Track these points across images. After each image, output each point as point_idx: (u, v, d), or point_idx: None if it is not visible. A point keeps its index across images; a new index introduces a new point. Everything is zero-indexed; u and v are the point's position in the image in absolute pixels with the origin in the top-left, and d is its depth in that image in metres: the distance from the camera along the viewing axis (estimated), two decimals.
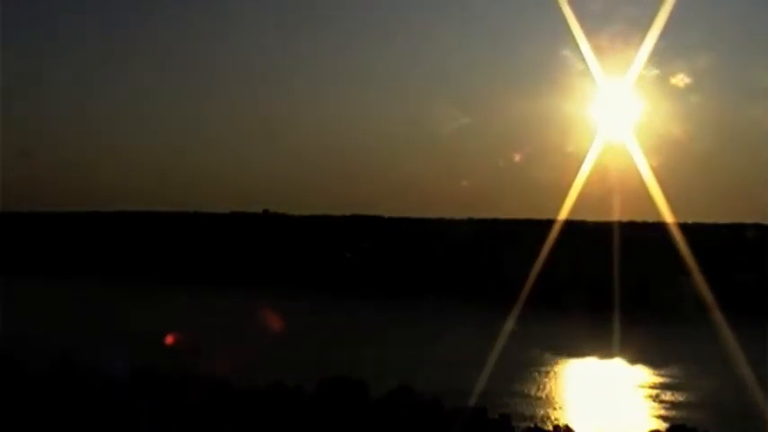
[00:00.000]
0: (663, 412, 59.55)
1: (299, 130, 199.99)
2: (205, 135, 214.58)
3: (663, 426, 48.47)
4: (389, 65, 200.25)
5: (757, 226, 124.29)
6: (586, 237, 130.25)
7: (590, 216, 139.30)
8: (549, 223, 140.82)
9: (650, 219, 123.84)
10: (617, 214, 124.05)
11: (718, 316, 74.19)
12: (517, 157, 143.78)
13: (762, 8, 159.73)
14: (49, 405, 37.71)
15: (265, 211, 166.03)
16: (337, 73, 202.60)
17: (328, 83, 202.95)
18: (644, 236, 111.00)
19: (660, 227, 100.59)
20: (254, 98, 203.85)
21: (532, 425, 43.74)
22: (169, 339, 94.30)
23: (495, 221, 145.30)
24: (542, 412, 58.06)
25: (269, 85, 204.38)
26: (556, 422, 43.38)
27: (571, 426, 41.86)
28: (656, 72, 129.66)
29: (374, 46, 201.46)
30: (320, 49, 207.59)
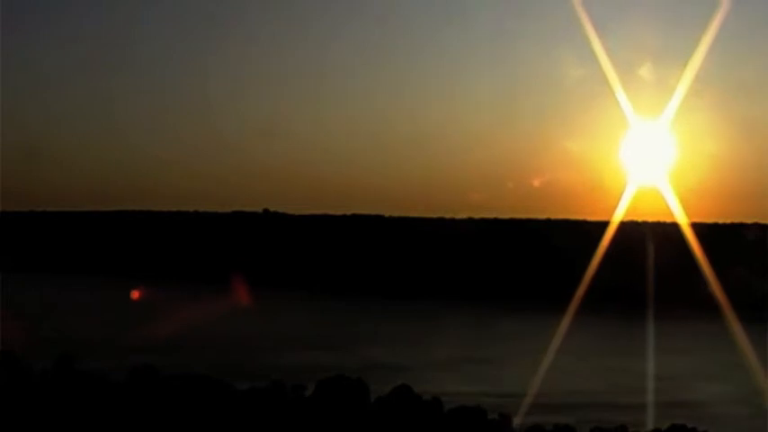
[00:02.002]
0: (666, 410, 59.40)
1: (299, 130, 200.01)
2: (205, 135, 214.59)
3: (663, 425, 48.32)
4: (391, 65, 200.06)
5: (757, 226, 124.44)
6: (588, 236, 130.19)
7: (591, 215, 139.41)
8: (549, 223, 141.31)
9: (649, 219, 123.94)
10: (622, 214, 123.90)
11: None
12: (536, 183, 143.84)
13: None
14: (48, 404, 37.69)
15: (265, 211, 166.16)
16: (338, 73, 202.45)
17: (329, 83, 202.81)
18: (649, 235, 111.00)
19: (662, 226, 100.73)
20: (255, 98, 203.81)
21: (533, 424, 43.60)
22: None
23: (496, 221, 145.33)
24: (543, 411, 57.97)
25: (270, 85, 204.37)
26: (557, 422, 43.23)
27: (572, 425, 41.76)
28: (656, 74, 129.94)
29: (377, 46, 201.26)
30: (321, 48, 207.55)
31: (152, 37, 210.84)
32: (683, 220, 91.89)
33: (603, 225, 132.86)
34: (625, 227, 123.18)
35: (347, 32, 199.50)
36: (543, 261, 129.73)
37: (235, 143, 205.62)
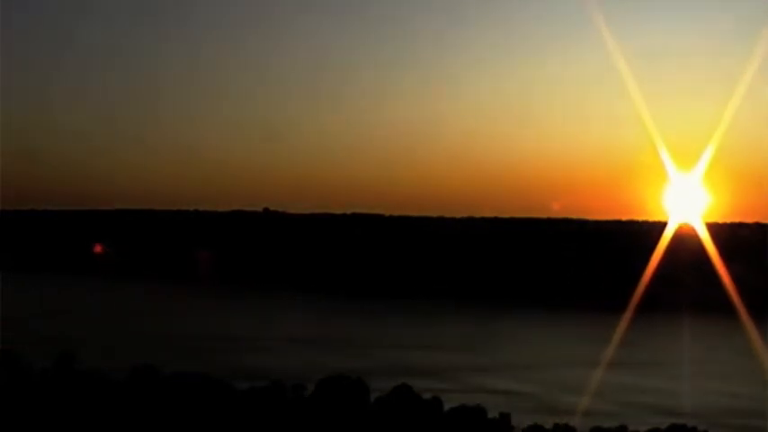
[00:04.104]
0: (665, 410, 59.44)
1: (299, 130, 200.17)
2: (205, 134, 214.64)
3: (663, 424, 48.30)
4: (393, 65, 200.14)
5: (757, 225, 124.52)
6: (588, 236, 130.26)
7: (591, 215, 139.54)
8: (549, 222, 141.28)
9: (649, 218, 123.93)
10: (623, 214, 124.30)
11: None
12: (556, 206, 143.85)
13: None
14: (48, 404, 37.68)
15: (265, 210, 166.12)
16: (338, 73, 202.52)
17: (329, 82, 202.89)
18: (651, 235, 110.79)
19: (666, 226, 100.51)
20: (255, 98, 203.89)
21: (532, 423, 43.57)
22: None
23: (496, 221, 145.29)
24: (543, 411, 57.98)
25: (270, 85, 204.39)
26: (556, 421, 43.18)
27: (572, 424, 41.74)
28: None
29: (378, 45, 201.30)
30: (320, 49, 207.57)
31: (154, 37, 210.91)
32: (696, 221, 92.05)
33: (604, 224, 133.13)
34: (628, 227, 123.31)
35: (348, 32, 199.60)
36: (544, 260, 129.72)
37: (235, 143, 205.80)
